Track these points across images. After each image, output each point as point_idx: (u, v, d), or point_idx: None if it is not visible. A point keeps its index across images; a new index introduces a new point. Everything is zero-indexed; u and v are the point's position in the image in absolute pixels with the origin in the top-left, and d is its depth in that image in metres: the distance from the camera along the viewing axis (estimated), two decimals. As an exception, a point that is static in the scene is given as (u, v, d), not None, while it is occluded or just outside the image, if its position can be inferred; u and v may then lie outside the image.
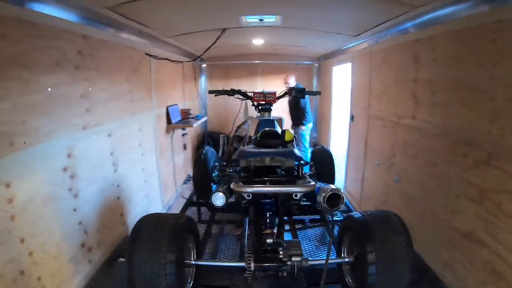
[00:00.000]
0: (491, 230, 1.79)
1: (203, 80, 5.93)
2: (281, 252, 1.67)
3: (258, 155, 1.80)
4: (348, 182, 4.32)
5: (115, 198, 2.69)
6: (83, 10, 2.01)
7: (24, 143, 1.76)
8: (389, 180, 3.06)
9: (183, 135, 4.49)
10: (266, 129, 2.12)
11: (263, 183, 1.83)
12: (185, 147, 4.55)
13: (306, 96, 4.71)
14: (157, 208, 3.58)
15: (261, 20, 2.99)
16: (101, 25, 2.35)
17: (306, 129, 5.12)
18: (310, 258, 1.75)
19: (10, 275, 1.64)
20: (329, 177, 2.96)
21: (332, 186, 1.60)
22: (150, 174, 3.41)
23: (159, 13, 2.55)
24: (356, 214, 1.82)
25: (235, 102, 2.95)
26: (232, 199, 1.78)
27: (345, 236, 1.96)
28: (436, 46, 2.28)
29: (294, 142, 2.16)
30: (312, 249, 2.96)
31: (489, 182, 1.82)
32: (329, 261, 1.78)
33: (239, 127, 5.54)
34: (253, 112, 2.83)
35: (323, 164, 2.96)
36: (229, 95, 2.68)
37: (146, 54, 3.21)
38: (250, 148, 1.92)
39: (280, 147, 2.03)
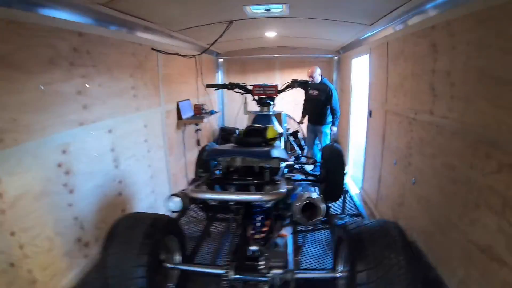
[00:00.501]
0: None
1: (220, 74, 5.80)
2: (261, 263, 1.48)
3: (228, 154, 1.57)
4: (365, 181, 3.99)
5: (116, 194, 2.65)
6: (76, 8, 2.00)
7: (15, 140, 1.76)
8: (405, 181, 2.74)
9: (196, 130, 4.39)
10: (251, 125, 1.89)
11: (232, 187, 1.62)
12: (198, 142, 4.44)
13: (335, 92, 4.49)
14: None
15: (267, 10, 2.79)
16: (97, 22, 2.32)
17: (329, 128, 4.71)
18: (300, 270, 1.54)
19: (0, 267, 1.65)
20: (338, 176, 2.69)
21: (309, 194, 1.36)
22: (158, 170, 3.35)
23: (158, 7, 2.46)
24: (351, 223, 1.56)
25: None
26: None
27: (341, 248, 1.70)
28: (454, 32, 1.94)
29: (285, 139, 1.92)
30: (320, 254, 2.70)
31: (513, 191, 1.48)
32: (320, 275, 1.56)
33: None
34: (256, 107, 2.61)
35: (331, 162, 2.69)
36: (229, 89, 2.51)
37: (153, 49, 3.13)
38: (225, 146, 1.69)
39: (263, 145, 1.78)
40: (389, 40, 2.93)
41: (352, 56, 4.48)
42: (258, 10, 2.78)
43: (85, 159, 2.31)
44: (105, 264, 1.53)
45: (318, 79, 4.57)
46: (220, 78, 5.77)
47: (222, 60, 5.75)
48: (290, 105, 5.25)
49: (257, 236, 1.69)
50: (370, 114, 3.70)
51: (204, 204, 1.75)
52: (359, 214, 2.89)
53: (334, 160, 2.71)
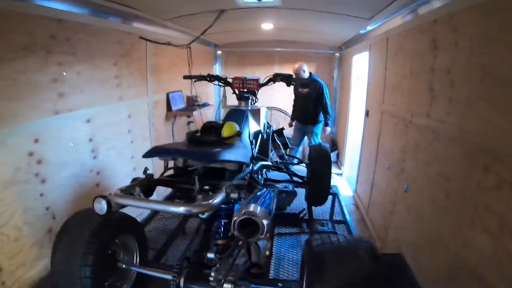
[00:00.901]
0: (508, 277, 1.26)
1: (218, 66, 5.59)
2: (212, 274, 1.31)
3: (167, 154, 1.37)
4: (359, 185, 3.79)
5: (93, 185, 2.51)
6: None
7: None
8: (397, 188, 2.54)
9: (188, 123, 4.21)
10: (209, 121, 1.68)
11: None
12: (190, 135, 4.26)
13: (327, 89, 4.16)
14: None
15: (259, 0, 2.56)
16: (79, 9, 2.19)
17: (319, 127, 4.37)
18: (256, 285, 1.35)
19: None
20: (324, 179, 2.49)
21: (249, 208, 1.14)
22: (142, 163, 3.17)
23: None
24: (316, 238, 1.34)
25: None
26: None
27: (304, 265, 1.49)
28: (456, 26, 1.73)
29: (246, 138, 1.71)
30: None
31: (512, 212, 1.27)
32: None
33: None
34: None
35: (317, 164, 2.49)
36: (208, 81, 2.31)
37: (141, 38, 2.94)
38: (174, 144, 1.49)
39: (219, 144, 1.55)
40: (389, 36, 2.70)
41: (352, 53, 4.24)
42: (249, -1, 2.58)
43: (60, 148, 2.19)
44: (53, 261, 1.45)
45: (305, 76, 4.19)
46: (218, 70, 5.57)
47: (220, 52, 5.55)
48: (289, 102, 5.01)
49: (219, 242, 1.50)
50: (367, 114, 3.48)
51: None
52: (344, 222, 2.68)
53: (320, 162, 2.51)
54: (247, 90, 2.26)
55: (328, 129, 4.38)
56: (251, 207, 1.13)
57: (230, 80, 2.27)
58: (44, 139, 2.04)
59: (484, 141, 1.50)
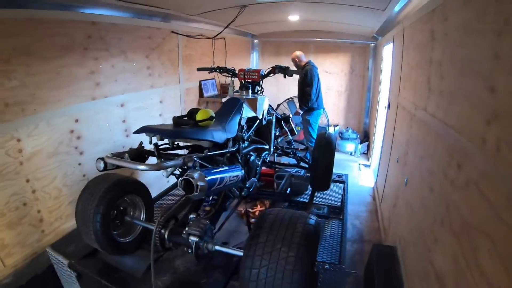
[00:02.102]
0: (461, 284, 1.18)
1: (255, 56, 5.67)
2: (186, 229, 1.54)
3: (146, 131, 1.54)
4: (379, 176, 3.59)
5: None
6: (88, 2, 2.24)
7: (34, 110, 2.11)
8: (401, 182, 2.41)
9: (220, 109, 4.39)
10: (193, 107, 1.81)
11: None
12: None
13: (316, 78, 3.90)
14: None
15: None
16: (110, 11, 2.48)
17: (315, 116, 4.19)
18: (219, 245, 1.56)
19: (14, 204, 2.05)
20: (325, 166, 2.45)
21: (192, 173, 1.30)
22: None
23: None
24: (269, 211, 1.47)
25: (287, 79, 2.62)
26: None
27: None
28: (447, 15, 1.55)
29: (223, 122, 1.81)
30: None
31: (474, 214, 1.17)
32: (234, 251, 1.52)
33: (278, 106, 5.19)
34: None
35: (320, 151, 2.47)
36: (219, 72, 2.43)
37: (173, 32, 3.16)
38: (158, 126, 1.66)
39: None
40: (405, 27, 2.47)
41: (383, 43, 3.90)
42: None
43: (96, 127, 2.58)
44: (76, 210, 1.79)
45: (299, 65, 3.99)
46: (255, 59, 5.68)
47: (257, 41, 5.59)
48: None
49: (206, 208, 1.81)
50: (389, 106, 3.23)
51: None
52: (340, 209, 2.59)
53: (322, 149, 2.47)
54: (250, 80, 2.32)
55: (299, 112, 4.14)
56: (194, 173, 1.30)
57: (237, 72, 2.37)
58: (83, 119, 2.45)
59: (460, 137, 1.36)
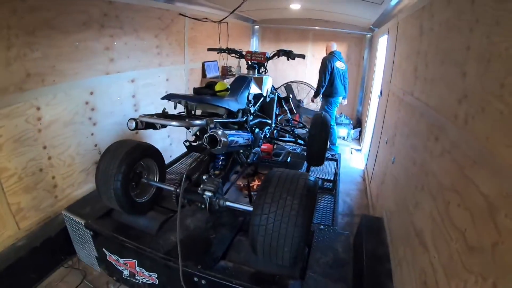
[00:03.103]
0: (436, 234, 1.46)
1: (255, 41, 5.84)
2: (200, 186, 1.75)
3: (174, 97, 1.75)
4: (369, 158, 3.89)
5: (133, 133, 3.02)
6: None
7: (54, 81, 2.26)
8: (388, 160, 2.68)
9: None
10: (210, 80, 2.03)
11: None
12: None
13: (328, 68, 4.34)
14: (179, 147, 3.79)
15: None
16: None
17: (330, 104, 4.59)
18: (230, 201, 1.78)
19: (31, 169, 2.21)
20: (319, 143, 2.72)
21: (215, 130, 1.52)
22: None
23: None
24: (275, 170, 1.69)
25: (284, 64, 2.85)
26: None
27: None
28: (433, 12, 1.79)
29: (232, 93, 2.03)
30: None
31: (447, 177, 1.44)
32: (244, 207, 1.76)
33: (276, 89, 5.40)
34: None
35: (314, 129, 2.73)
36: (227, 53, 2.63)
37: (180, 14, 3.31)
38: (182, 94, 1.89)
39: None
40: (399, 20, 2.70)
41: (379, 35, 4.14)
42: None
43: (109, 101, 2.76)
44: (97, 171, 1.95)
45: (327, 52, 4.46)
46: (255, 44, 5.86)
47: (258, 27, 5.74)
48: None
49: (216, 172, 2.00)
50: (381, 93, 3.49)
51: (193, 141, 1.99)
52: (334, 181, 2.87)
53: (317, 128, 2.73)
54: (257, 61, 2.54)
55: (315, 100, 4.71)
56: (218, 130, 1.52)
57: (244, 53, 2.57)
58: (97, 92, 2.62)
59: (439, 115, 1.62)
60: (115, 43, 2.68)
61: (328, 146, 4.62)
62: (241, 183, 2.95)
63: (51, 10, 2.12)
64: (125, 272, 1.98)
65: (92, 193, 2.43)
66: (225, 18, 3.68)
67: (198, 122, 1.57)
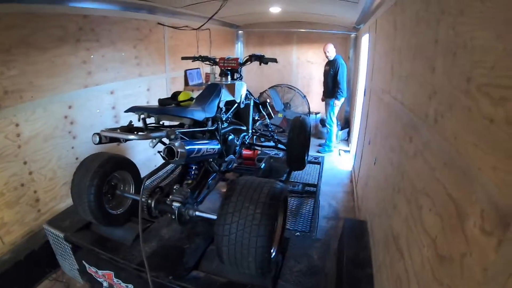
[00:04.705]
0: (410, 240, 1.36)
1: (239, 46, 5.76)
2: (170, 197, 1.69)
3: (134, 110, 1.67)
4: (356, 160, 3.77)
5: (114, 145, 2.91)
6: None
7: (31, 97, 2.21)
8: (371, 161, 2.55)
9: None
10: (176, 91, 1.95)
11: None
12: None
13: (343, 68, 4.50)
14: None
15: None
16: (99, 5, 2.55)
17: (337, 103, 4.71)
18: (200, 211, 1.72)
19: (13, 184, 2.17)
20: (299, 147, 2.61)
21: (173, 142, 1.43)
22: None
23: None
24: (241, 178, 1.60)
25: (270, 68, 2.77)
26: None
27: None
28: (405, 7, 1.69)
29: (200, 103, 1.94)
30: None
31: (420, 179, 1.33)
32: (212, 216, 1.65)
33: (261, 94, 5.33)
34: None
35: (293, 133, 2.64)
36: (201, 61, 2.55)
37: (159, 23, 3.24)
38: (145, 106, 1.81)
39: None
40: (377, 18, 2.61)
41: (362, 34, 4.06)
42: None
43: (88, 113, 2.69)
44: (72, 185, 1.89)
45: (332, 54, 4.60)
46: (239, 50, 5.77)
47: (241, 32, 5.66)
48: (305, 80, 5.03)
49: (189, 181, 1.95)
50: (364, 93, 3.39)
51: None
52: (315, 185, 2.76)
53: (295, 131, 2.63)
54: (230, 68, 2.45)
55: (337, 102, 4.69)
56: (175, 141, 1.44)
57: (217, 60, 2.49)
58: (76, 106, 2.55)
59: (412, 114, 1.52)
60: (92, 56, 2.62)
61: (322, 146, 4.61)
62: (224, 189, 2.87)
63: (26, 28, 2.08)
64: (105, 284, 1.94)
65: (72, 206, 2.32)
66: (203, 25, 3.59)
67: (157, 134, 1.49)
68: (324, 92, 4.88)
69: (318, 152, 4.73)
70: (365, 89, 3.42)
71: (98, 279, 1.95)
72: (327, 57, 4.59)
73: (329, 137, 4.91)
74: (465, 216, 0.86)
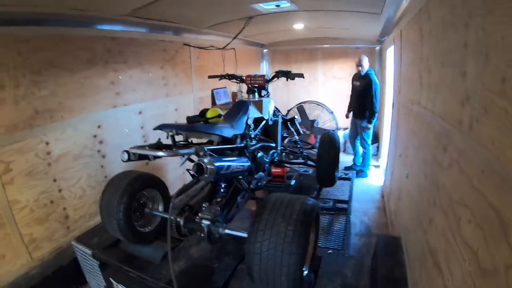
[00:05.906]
0: (449, 254, 1.28)
1: (265, 64, 5.90)
2: (199, 215, 1.70)
3: (164, 127, 1.73)
4: (387, 174, 3.64)
5: (143, 163, 3.06)
6: (107, 20, 2.51)
7: (61, 116, 2.38)
8: (403, 175, 2.47)
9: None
10: (205, 108, 2.02)
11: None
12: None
13: (377, 86, 4.02)
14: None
15: (277, 6, 2.83)
16: (127, 27, 2.75)
17: (370, 126, 4.19)
18: (229, 228, 1.70)
19: (43, 201, 2.29)
20: (328, 163, 2.58)
21: (202, 159, 1.45)
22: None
23: (174, 10, 2.73)
24: (272, 195, 1.59)
25: (296, 85, 2.85)
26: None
27: None
28: (430, 13, 1.68)
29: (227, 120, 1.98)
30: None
31: (456, 190, 1.27)
32: (242, 234, 1.64)
33: (289, 111, 5.38)
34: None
35: (323, 149, 2.62)
36: (228, 79, 2.65)
37: (185, 44, 3.43)
38: (174, 123, 1.87)
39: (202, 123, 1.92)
40: (402, 28, 2.60)
41: (386, 46, 4.03)
42: (269, 6, 2.84)
43: (117, 133, 2.83)
44: (101, 202, 1.96)
45: (366, 68, 4.11)
46: (265, 68, 5.91)
47: (266, 50, 5.82)
48: (331, 96, 5.04)
49: (218, 199, 1.96)
50: (393, 106, 3.33)
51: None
52: (347, 201, 2.69)
53: (325, 147, 2.61)
54: (257, 85, 2.53)
55: (369, 125, 4.19)
56: (205, 158, 1.46)
57: (244, 78, 2.59)
58: (105, 125, 2.70)
59: (445, 123, 1.48)
60: (120, 77, 2.79)
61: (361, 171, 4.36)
62: (255, 208, 2.86)
63: (54, 50, 2.25)
64: (132, 301, 1.95)
65: (100, 223, 2.39)
66: (228, 44, 3.77)
67: (186, 151, 1.52)
68: (350, 109, 4.47)
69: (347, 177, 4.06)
70: (393, 102, 3.36)
71: None
72: (360, 71, 4.11)
73: (366, 163, 4.42)
74: (509, 225, 0.81)
